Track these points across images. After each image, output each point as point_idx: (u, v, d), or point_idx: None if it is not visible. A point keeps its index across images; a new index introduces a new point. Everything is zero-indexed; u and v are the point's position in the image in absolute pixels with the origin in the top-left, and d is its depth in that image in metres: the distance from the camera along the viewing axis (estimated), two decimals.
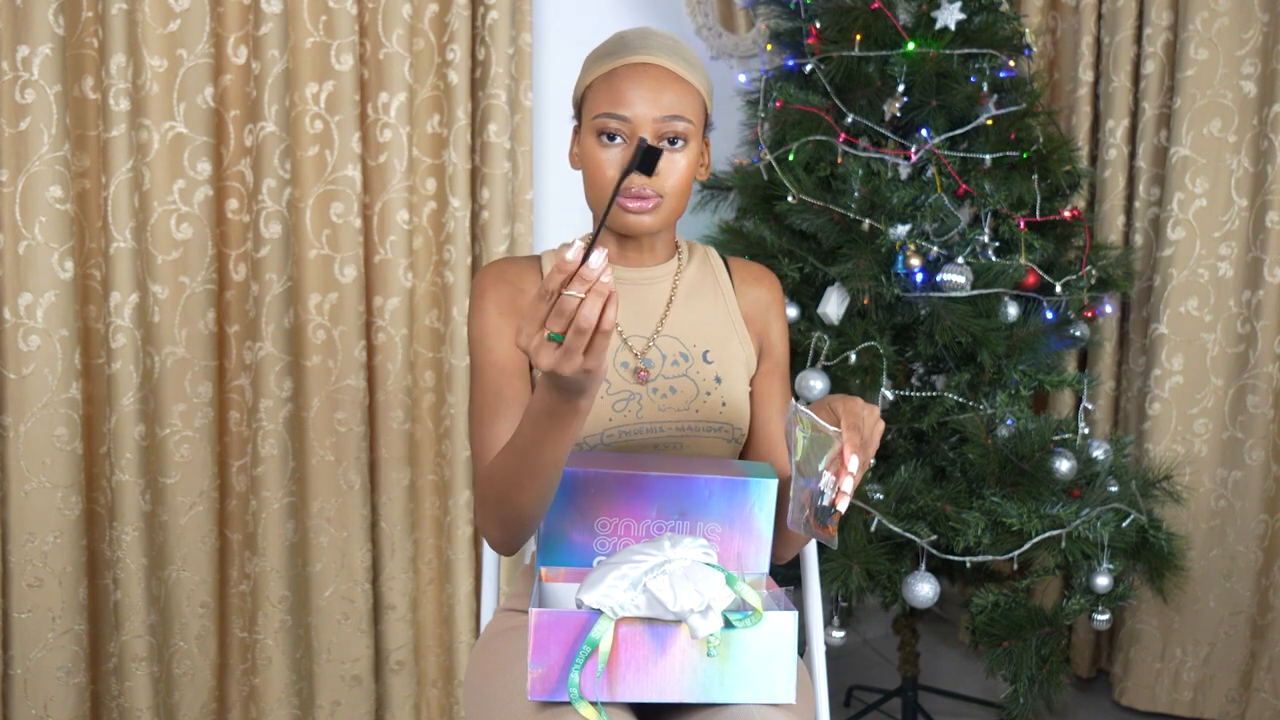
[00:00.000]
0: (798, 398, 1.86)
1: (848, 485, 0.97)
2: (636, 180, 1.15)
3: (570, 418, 0.95)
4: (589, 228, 2.37)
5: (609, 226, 1.23)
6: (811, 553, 1.42)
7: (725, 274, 1.32)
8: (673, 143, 1.17)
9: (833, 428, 1.00)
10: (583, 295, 0.84)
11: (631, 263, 1.27)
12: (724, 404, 1.24)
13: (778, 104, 2.01)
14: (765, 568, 1.13)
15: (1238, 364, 2.21)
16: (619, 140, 1.16)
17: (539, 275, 1.27)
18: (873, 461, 1.02)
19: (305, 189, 1.94)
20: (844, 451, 0.98)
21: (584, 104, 1.21)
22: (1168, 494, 1.99)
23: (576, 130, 1.25)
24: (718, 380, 1.25)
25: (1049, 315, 1.96)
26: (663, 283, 1.28)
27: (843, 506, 0.97)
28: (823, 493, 0.99)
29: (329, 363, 1.98)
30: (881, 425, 1.03)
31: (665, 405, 1.22)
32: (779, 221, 2.03)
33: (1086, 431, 1.98)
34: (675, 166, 1.17)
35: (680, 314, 1.27)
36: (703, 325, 1.27)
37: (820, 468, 1.00)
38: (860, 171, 1.92)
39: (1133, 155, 2.31)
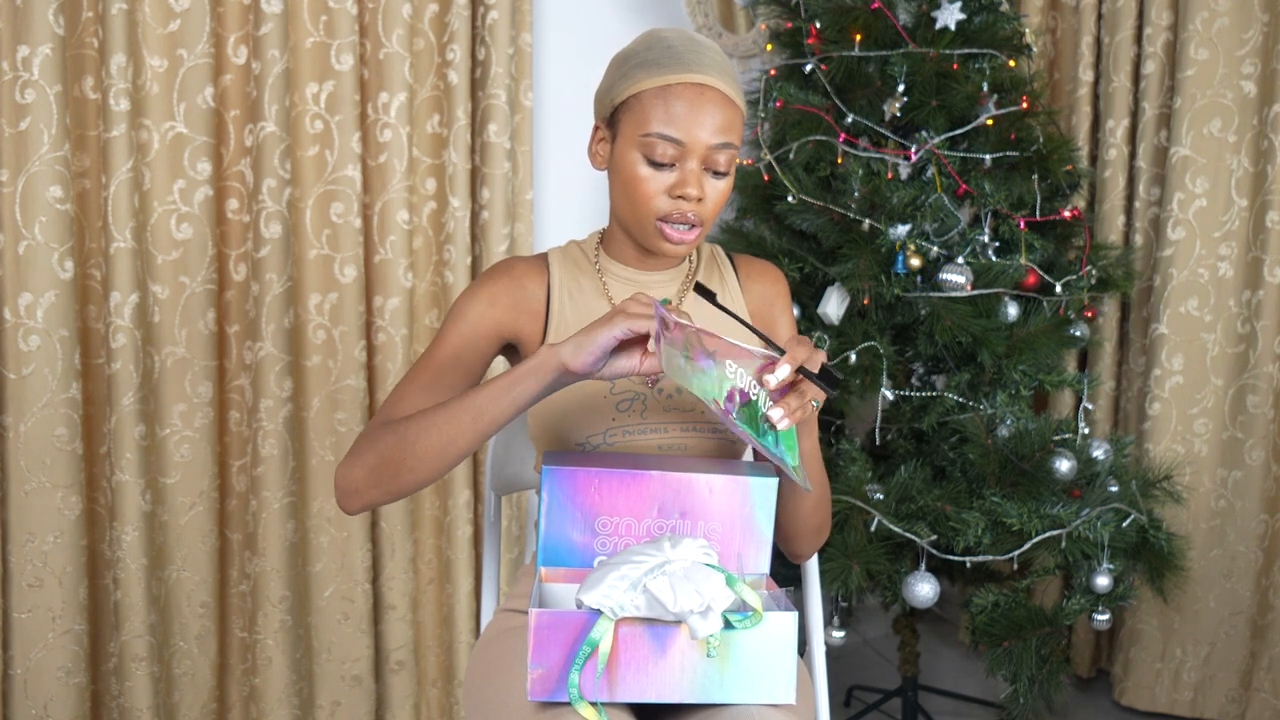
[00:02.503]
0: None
1: (771, 380, 0.96)
2: (683, 205, 1.15)
3: (545, 374, 1.04)
4: (591, 227, 2.37)
5: (628, 232, 1.22)
6: None
7: (731, 272, 1.32)
8: (718, 172, 1.16)
9: (762, 350, 0.99)
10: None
11: (648, 266, 1.26)
12: None
13: (778, 104, 2.01)
14: (765, 568, 1.13)
15: (1238, 364, 2.21)
16: (667, 164, 1.15)
17: (545, 272, 1.26)
18: (817, 405, 1.02)
19: (305, 189, 1.94)
20: (774, 365, 0.97)
21: (625, 112, 1.16)
22: (1168, 494, 1.99)
23: (598, 130, 1.21)
24: None
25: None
26: (674, 284, 1.28)
27: (776, 417, 0.96)
28: (756, 404, 0.98)
29: (329, 363, 1.98)
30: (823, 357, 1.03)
31: (670, 406, 1.22)
32: (779, 221, 2.03)
33: (1086, 431, 1.98)
34: (717, 192, 1.16)
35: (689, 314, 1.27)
36: (709, 325, 1.27)
37: (744, 382, 0.99)
38: (860, 171, 1.92)
39: (1133, 155, 2.31)
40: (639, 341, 1.04)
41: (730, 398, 1.00)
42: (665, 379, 1.23)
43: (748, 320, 1.26)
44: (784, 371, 0.96)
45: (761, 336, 1.05)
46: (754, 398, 0.99)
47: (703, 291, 1.07)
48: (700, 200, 1.15)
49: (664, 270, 1.27)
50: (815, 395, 1.01)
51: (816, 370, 1.00)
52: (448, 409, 1.07)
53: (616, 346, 1.04)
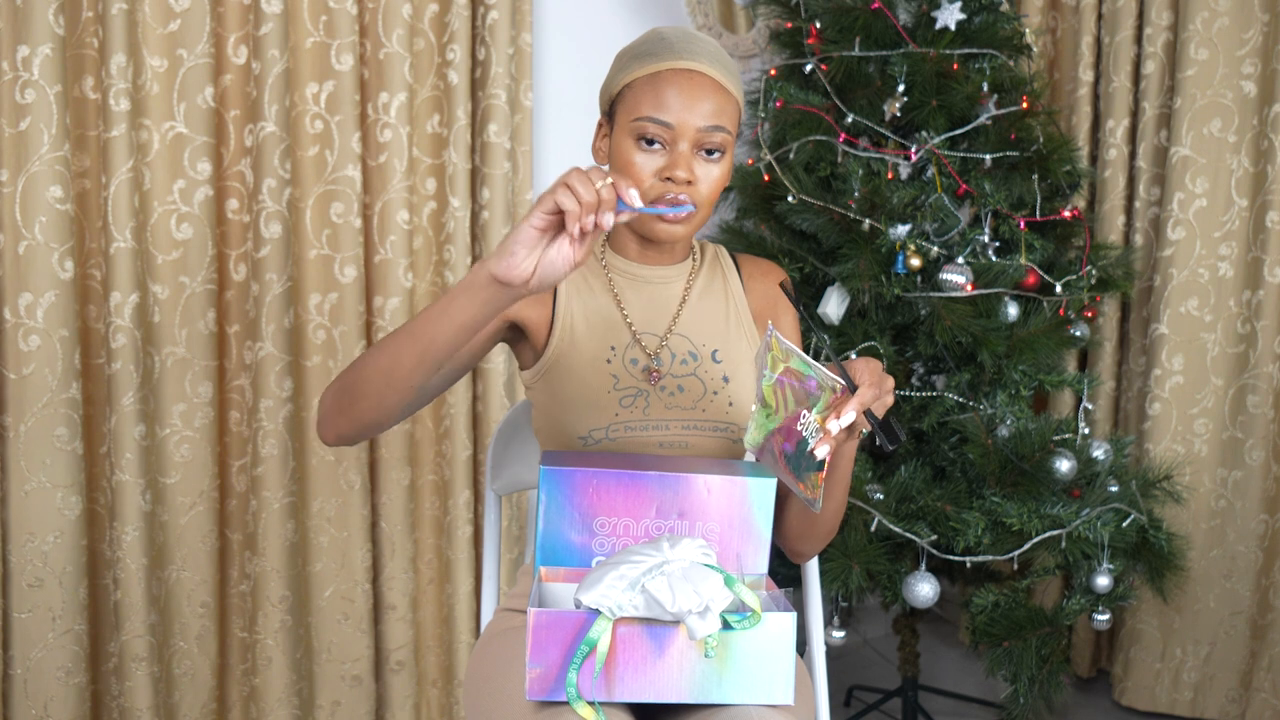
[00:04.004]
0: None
1: (834, 427, 0.95)
2: (674, 188, 1.15)
3: (478, 290, 0.97)
4: None
5: (634, 229, 1.23)
6: None
7: (735, 271, 1.33)
8: (710, 153, 1.16)
9: (834, 377, 0.98)
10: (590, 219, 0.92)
11: (651, 262, 1.27)
12: (730, 404, 1.24)
13: (778, 104, 2.01)
14: (764, 568, 1.13)
15: (1238, 364, 2.21)
16: (658, 145, 1.15)
17: None
18: (863, 432, 1.02)
19: (305, 189, 1.94)
20: (843, 402, 0.96)
21: (620, 102, 1.18)
22: (1168, 494, 1.99)
23: (601, 126, 1.23)
24: (725, 380, 1.25)
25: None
26: (677, 282, 1.28)
27: (822, 454, 0.96)
28: (806, 440, 0.98)
29: (329, 363, 1.98)
30: (891, 393, 1.01)
31: (672, 404, 1.22)
32: (779, 221, 2.03)
33: (1086, 431, 1.98)
34: (711, 176, 1.17)
35: (692, 313, 1.27)
36: (713, 324, 1.28)
37: (814, 414, 0.98)
38: (860, 171, 1.92)
39: (1133, 155, 2.31)
40: (566, 232, 0.95)
41: (788, 433, 1.00)
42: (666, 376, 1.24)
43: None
44: (849, 419, 0.96)
45: (837, 364, 1.01)
46: (805, 435, 0.98)
47: (787, 291, 1.05)
48: (691, 183, 1.16)
49: (668, 265, 1.28)
50: (862, 425, 1.01)
51: (881, 415, 0.99)
52: (394, 335, 1.03)
53: (551, 250, 0.96)
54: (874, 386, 0.97)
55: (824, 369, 0.98)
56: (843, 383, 0.97)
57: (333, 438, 1.11)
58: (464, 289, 0.98)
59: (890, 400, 1.00)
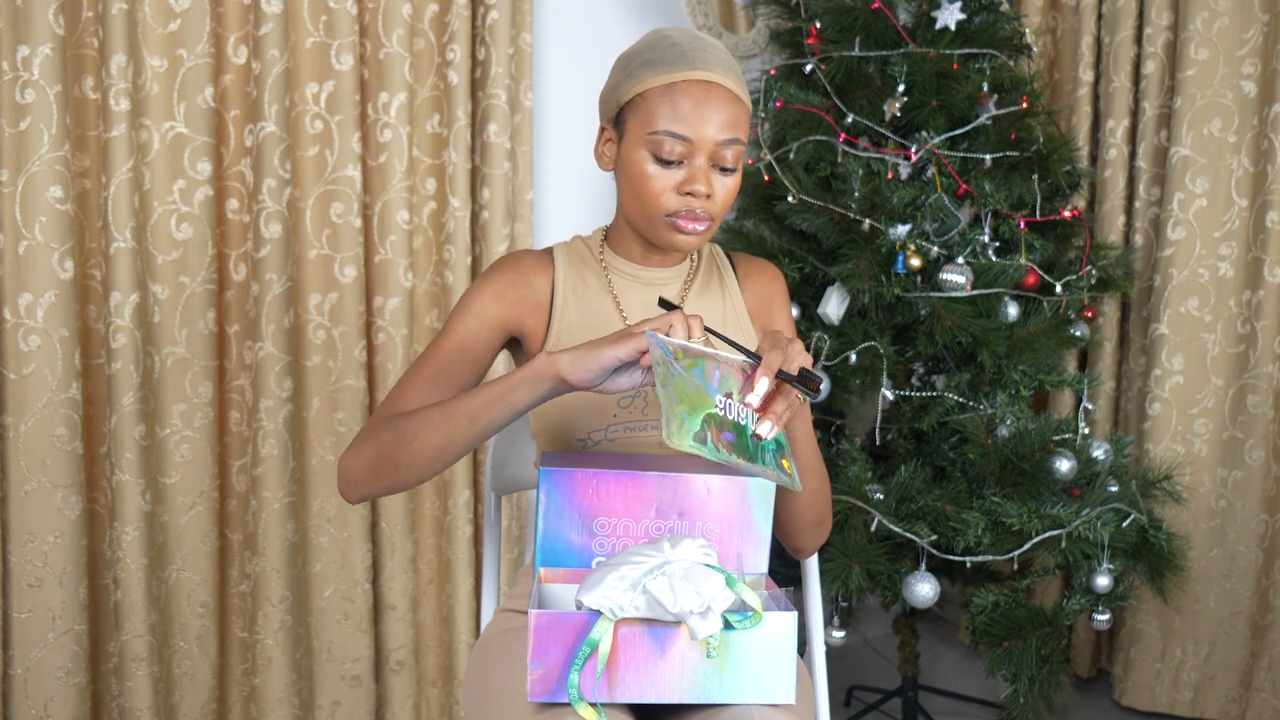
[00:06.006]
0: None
1: (753, 400, 0.99)
2: (693, 202, 1.15)
3: (542, 383, 1.04)
4: (591, 227, 2.37)
5: (638, 230, 1.22)
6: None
7: (731, 271, 1.32)
8: (725, 171, 1.16)
9: (737, 357, 1.01)
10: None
11: (652, 264, 1.27)
12: None
13: (778, 104, 2.01)
14: (764, 568, 1.13)
15: (1238, 364, 2.21)
16: (675, 161, 1.15)
17: (550, 267, 1.26)
18: (803, 398, 1.04)
19: (305, 189, 1.94)
20: (752, 375, 1.00)
21: (631, 111, 1.16)
22: (1168, 494, 1.99)
23: (605, 131, 1.21)
24: None
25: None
26: (675, 283, 1.28)
27: (764, 430, 0.98)
28: (742, 425, 0.99)
29: (329, 363, 1.98)
30: (803, 353, 1.04)
31: None
32: (779, 221, 2.03)
33: (1086, 431, 1.98)
34: (726, 188, 1.17)
35: (690, 313, 1.27)
36: (711, 323, 1.27)
37: (735, 399, 1.01)
38: (860, 171, 1.92)
39: (1133, 155, 2.31)
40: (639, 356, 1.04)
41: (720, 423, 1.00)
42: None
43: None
44: (763, 386, 0.99)
45: (733, 344, 1.05)
46: (742, 422, 0.99)
47: (666, 305, 1.07)
48: (709, 197, 1.15)
49: (668, 267, 1.28)
50: (785, 391, 1.02)
51: (795, 371, 1.01)
52: (445, 410, 1.08)
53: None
54: (776, 350, 1.01)
55: (723, 354, 1.01)
56: (744, 359, 1.00)
57: (358, 498, 1.15)
58: (526, 381, 1.04)
59: (804, 359, 1.03)
